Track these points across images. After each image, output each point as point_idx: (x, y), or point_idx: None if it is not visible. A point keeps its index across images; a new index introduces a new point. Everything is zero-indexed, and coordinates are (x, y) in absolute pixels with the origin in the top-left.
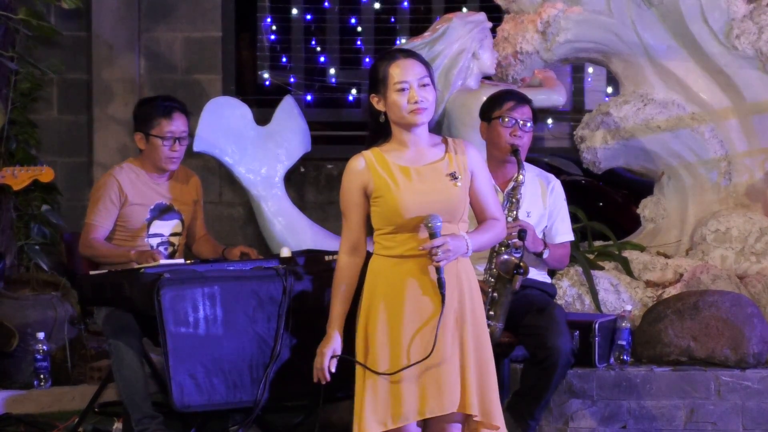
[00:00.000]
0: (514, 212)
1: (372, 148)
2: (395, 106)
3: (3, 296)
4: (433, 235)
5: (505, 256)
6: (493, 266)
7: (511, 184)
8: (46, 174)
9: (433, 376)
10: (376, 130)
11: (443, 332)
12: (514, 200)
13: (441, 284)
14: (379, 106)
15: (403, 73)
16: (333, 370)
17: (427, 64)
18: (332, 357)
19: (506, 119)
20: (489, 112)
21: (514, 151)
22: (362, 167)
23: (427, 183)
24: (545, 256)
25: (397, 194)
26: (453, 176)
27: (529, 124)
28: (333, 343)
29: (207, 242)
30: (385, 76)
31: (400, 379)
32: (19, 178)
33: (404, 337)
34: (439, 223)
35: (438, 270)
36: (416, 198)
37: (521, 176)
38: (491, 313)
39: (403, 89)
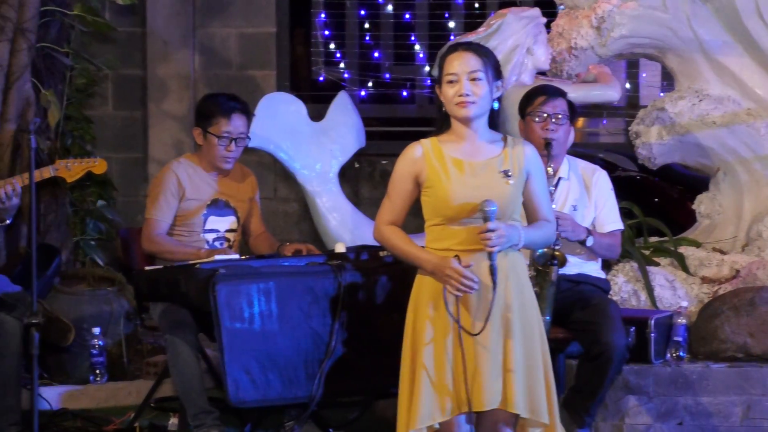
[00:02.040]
0: None
1: (431, 138)
2: (444, 98)
3: (59, 291)
4: (486, 220)
5: (541, 249)
6: (532, 261)
7: None
8: (99, 166)
9: (476, 372)
10: (439, 119)
11: (490, 325)
12: None
13: (493, 270)
14: (441, 97)
15: (454, 65)
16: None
17: (486, 59)
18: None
19: (537, 114)
20: (523, 109)
21: (547, 144)
22: (418, 156)
23: (479, 178)
24: (589, 243)
25: (448, 186)
26: (506, 174)
27: (562, 117)
28: (446, 258)
29: (265, 239)
30: (441, 68)
31: (445, 374)
32: (72, 170)
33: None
34: (493, 208)
35: (490, 256)
36: (466, 191)
37: (550, 169)
38: None
39: (451, 81)
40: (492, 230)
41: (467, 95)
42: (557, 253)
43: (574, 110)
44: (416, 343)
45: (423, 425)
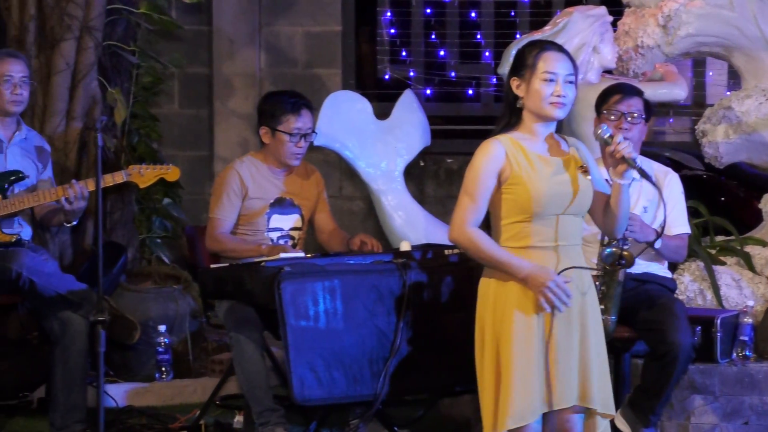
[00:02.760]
0: None
1: (505, 134)
2: (537, 95)
3: (125, 289)
4: (607, 142)
5: (609, 249)
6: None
7: None
8: (172, 174)
9: (559, 370)
10: (508, 114)
11: (569, 325)
12: None
13: (643, 172)
14: (519, 91)
15: (553, 64)
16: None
17: (574, 64)
18: (559, 273)
19: (612, 112)
20: (598, 106)
21: None
22: (502, 153)
23: (565, 174)
24: (657, 245)
25: (537, 182)
26: (584, 170)
27: (637, 116)
28: (547, 270)
29: (337, 235)
30: (534, 64)
31: (533, 375)
32: (145, 176)
33: (538, 328)
34: (608, 128)
35: (632, 161)
36: (555, 188)
37: None
38: (602, 307)
39: (550, 80)
40: (624, 142)
41: (564, 96)
42: (625, 253)
43: (649, 109)
44: (501, 345)
45: (514, 426)
